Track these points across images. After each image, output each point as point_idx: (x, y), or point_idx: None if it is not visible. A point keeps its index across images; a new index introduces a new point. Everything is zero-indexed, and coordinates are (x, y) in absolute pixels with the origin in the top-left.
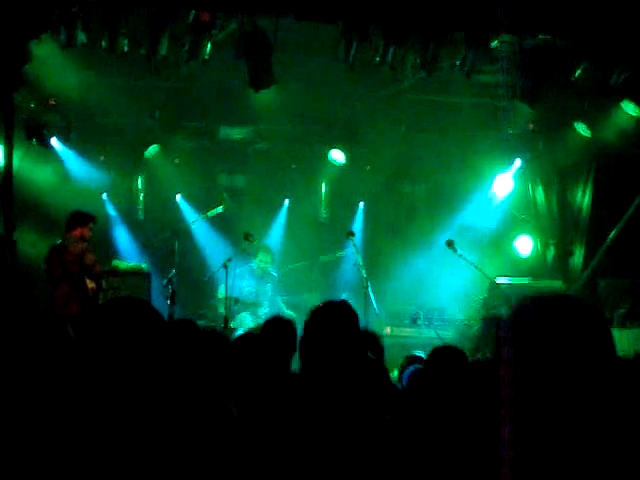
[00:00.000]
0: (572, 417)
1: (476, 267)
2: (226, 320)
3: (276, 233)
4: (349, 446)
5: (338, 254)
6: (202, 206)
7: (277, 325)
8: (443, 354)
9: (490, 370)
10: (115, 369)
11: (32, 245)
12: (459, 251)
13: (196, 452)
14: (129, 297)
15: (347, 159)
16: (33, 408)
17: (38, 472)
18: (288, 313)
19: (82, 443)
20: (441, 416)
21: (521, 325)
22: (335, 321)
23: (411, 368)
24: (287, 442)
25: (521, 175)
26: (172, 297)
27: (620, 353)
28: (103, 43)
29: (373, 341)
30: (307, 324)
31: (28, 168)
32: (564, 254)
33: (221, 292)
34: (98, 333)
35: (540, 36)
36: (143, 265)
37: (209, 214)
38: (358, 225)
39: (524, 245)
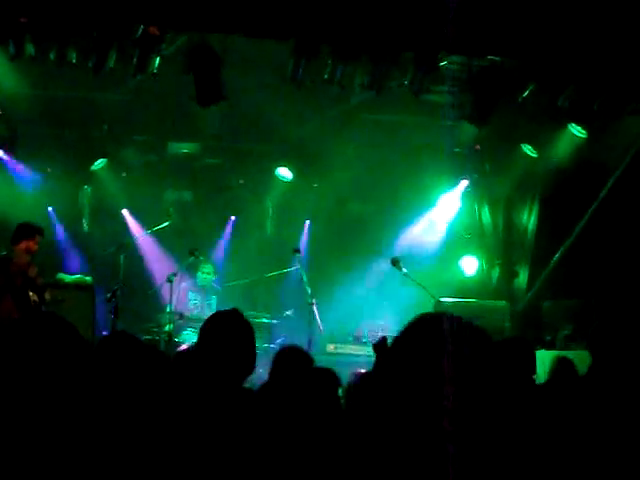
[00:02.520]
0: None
1: (421, 286)
2: (170, 335)
3: (222, 249)
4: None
5: (284, 270)
6: (148, 220)
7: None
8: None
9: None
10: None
11: None
12: (404, 269)
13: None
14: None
15: (294, 176)
16: None
17: None
18: None
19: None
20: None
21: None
22: (228, 331)
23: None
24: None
25: (467, 195)
26: (115, 311)
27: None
28: (51, 55)
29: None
30: (200, 337)
31: None
32: (509, 274)
33: (165, 307)
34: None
35: (488, 57)
36: (87, 278)
37: (155, 229)
38: (304, 242)
39: (469, 265)
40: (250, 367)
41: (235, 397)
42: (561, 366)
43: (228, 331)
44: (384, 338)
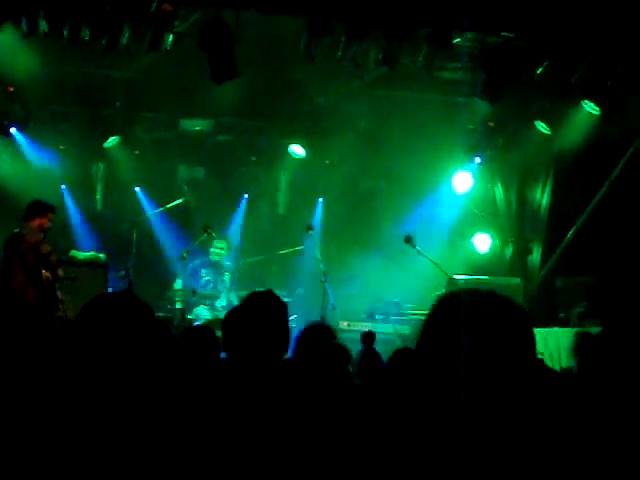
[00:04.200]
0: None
1: (434, 263)
2: (183, 312)
3: (235, 226)
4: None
5: (297, 248)
6: (161, 198)
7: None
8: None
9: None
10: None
11: None
12: (417, 247)
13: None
14: (119, 293)
15: (307, 153)
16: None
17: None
18: None
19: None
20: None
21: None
22: (262, 311)
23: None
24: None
25: (481, 172)
26: (129, 288)
27: None
28: (65, 32)
29: (329, 334)
30: (229, 316)
31: None
32: (522, 252)
33: (178, 284)
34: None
35: (502, 34)
36: (101, 255)
37: (168, 206)
38: (317, 219)
39: (482, 242)
40: (285, 346)
41: (274, 373)
42: (583, 342)
43: (264, 310)
44: (371, 333)
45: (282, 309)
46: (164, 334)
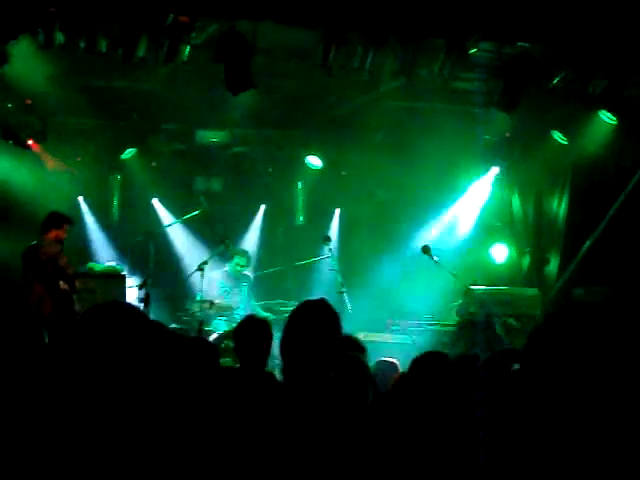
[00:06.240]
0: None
1: (451, 273)
2: (201, 323)
3: (252, 237)
4: (329, 445)
5: (314, 259)
6: (178, 209)
7: (251, 325)
8: (427, 361)
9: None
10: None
11: (7, 246)
12: (435, 257)
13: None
14: (115, 302)
15: (324, 164)
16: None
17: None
18: (264, 315)
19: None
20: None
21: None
22: (315, 320)
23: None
24: (264, 440)
25: (498, 182)
26: (146, 300)
27: None
28: (81, 44)
29: (354, 346)
30: (288, 323)
31: (4, 169)
32: (539, 262)
33: (198, 295)
34: (89, 338)
35: (519, 44)
36: (118, 267)
37: (185, 217)
38: (334, 230)
39: (500, 253)
40: (335, 354)
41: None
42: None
43: (316, 319)
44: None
45: (335, 318)
46: (159, 339)
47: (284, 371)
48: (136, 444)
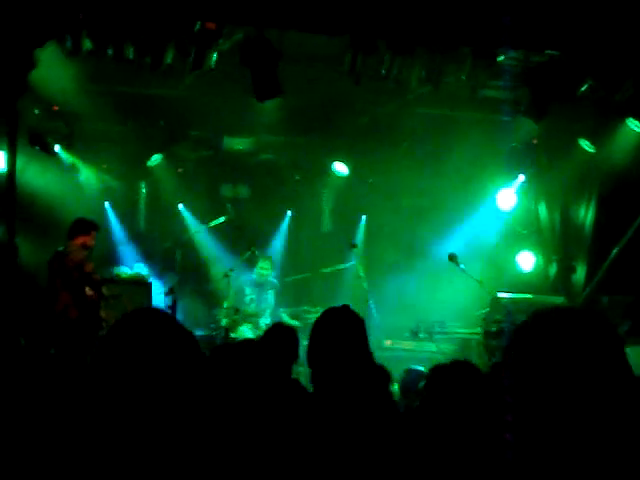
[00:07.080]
0: (578, 431)
1: (478, 281)
2: (227, 330)
3: (278, 244)
4: (354, 454)
5: (340, 266)
6: (205, 216)
7: (279, 332)
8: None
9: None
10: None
11: (34, 252)
12: (461, 265)
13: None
14: (147, 308)
15: (350, 171)
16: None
17: None
18: (291, 323)
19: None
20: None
21: (527, 338)
22: (340, 327)
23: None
24: (292, 449)
25: (524, 190)
26: (173, 306)
27: None
28: (109, 51)
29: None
30: (313, 332)
31: (31, 175)
32: (566, 270)
33: (223, 302)
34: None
35: (546, 52)
36: (144, 274)
37: (212, 224)
38: (360, 237)
39: (526, 260)
40: (363, 361)
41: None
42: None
43: (340, 327)
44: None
45: (359, 325)
46: (189, 348)
47: (313, 380)
48: (167, 449)
